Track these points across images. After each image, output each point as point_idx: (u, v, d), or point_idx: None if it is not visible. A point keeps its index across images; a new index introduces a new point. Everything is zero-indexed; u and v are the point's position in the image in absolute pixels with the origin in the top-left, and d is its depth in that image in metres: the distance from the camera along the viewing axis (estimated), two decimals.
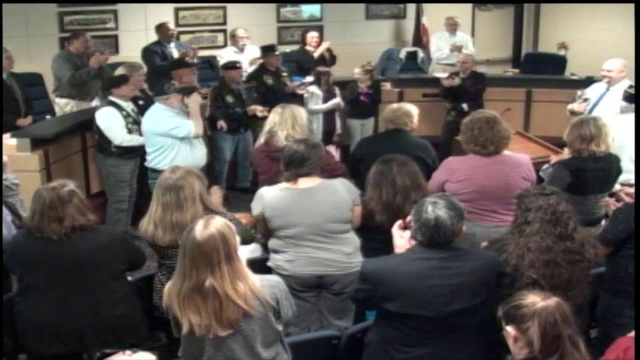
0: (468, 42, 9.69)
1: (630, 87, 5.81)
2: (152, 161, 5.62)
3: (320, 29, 9.93)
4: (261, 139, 4.88)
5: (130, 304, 3.63)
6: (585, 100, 6.21)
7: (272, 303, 2.86)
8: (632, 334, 2.76)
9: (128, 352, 2.09)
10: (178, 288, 2.80)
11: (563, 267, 3.21)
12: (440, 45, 9.60)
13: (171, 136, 5.50)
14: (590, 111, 6.04)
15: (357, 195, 3.94)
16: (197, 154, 5.65)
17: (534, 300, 2.58)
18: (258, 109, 7.00)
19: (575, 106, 6.21)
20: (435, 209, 2.98)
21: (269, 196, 3.86)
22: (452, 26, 9.56)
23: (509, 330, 2.60)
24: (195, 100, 5.61)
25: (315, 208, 3.80)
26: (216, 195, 4.04)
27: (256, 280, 2.86)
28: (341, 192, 3.88)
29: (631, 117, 5.28)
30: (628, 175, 4.84)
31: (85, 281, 3.45)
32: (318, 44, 8.81)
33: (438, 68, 9.60)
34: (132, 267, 3.76)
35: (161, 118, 5.52)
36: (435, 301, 2.96)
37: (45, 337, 3.47)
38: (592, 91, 6.32)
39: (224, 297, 2.75)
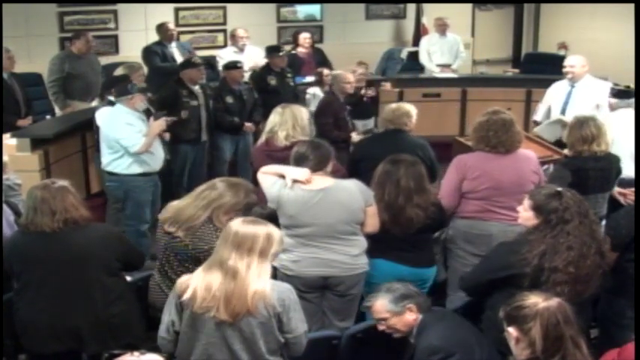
0: (458, 43, 9.69)
1: (616, 84, 5.81)
2: (109, 165, 5.49)
3: (320, 29, 9.95)
4: (262, 139, 4.88)
5: (127, 302, 3.61)
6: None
7: (278, 309, 2.89)
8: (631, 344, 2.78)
9: (136, 353, 2.11)
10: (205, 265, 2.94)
11: (589, 259, 3.22)
12: (431, 48, 9.58)
13: (120, 144, 5.38)
14: (563, 110, 6.12)
15: (370, 196, 3.90)
16: (155, 159, 5.55)
17: (536, 301, 2.59)
18: (248, 127, 7.02)
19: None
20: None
21: (284, 197, 3.83)
22: (441, 27, 9.53)
23: (511, 331, 2.60)
24: (158, 125, 5.46)
25: (329, 208, 3.79)
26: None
27: (268, 284, 2.89)
28: (354, 193, 3.86)
29: (627, 112, 5.26)
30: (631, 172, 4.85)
31: (80, 277, 3.44)
32: (311, 45, 8.79)
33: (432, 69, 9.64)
34: (128, 266, 3.74)
35: (116, 123, 5.37)
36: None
37: (42, 335, 3.46)
38: (554, 91, 6.36)
39: (241, 282, 2.81)
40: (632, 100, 5.40)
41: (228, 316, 2.82)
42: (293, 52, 8.65)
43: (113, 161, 5.45)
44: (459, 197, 4.31)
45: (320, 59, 8.76)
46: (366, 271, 3.94)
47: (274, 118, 4.82)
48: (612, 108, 5.43)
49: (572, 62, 6.25)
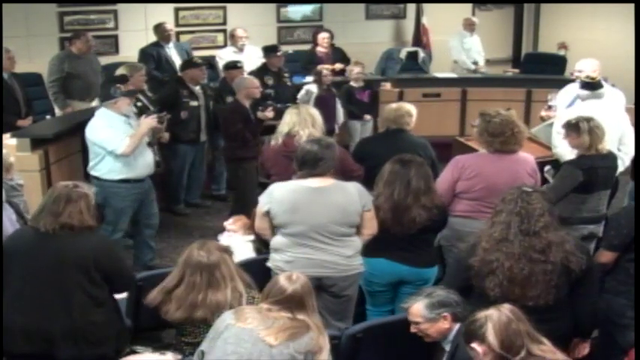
0: (478, 44, 9.80)
1: (587, 76, 5.78)
2: (92, 168, 5.36)
3: (317, 30, 9.94)
4: (279, 140, 4.82)
5: (109, 312, 3.52)
6: (550, 107, 6.26)
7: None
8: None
9: (156, 353, 2.13)
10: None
11: (521, 262, 3.19)
12: (466, 47, 9.70)
13: (103, 147, 5.21)
14: None
15: (368, 200, 3.88)
16: (141, 163, 5.33)
17: (486, 311, 2.70)
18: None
19: (542, 113, 6.31)
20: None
21: (279, 192, 3.83)
22: (470, 26, 9.70)
23: (474, 346, 2.67)
24: (148, 123, 5.27)
25: (323, 208, 3.78)
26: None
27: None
28: (352, 195, 3.83)
29: (596, 103, 5.36)
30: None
31: (59, 282, 3.38)
32: (330, 44, 8.82)
33: (456, 68, 9.66)
34: (109, 284, 3.51)
35: (97, 126, 5.22)
36: None
37: (15, 334, 3.39)
38: (565, 93, 6.29)
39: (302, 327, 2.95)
40: (600, 92, 5.50)
41: (276, 341, 2.88)
42: (289, 52, 8.66)
43: (95, 165, 5.31)
44: (452, 197, 4.36)
45: (339, 58, 8.79)
46: (361, 272, 3.94)
47: (292, 118, 4.77)
48: (582, 99, 5.53)
49: (581, 67, 6.09)
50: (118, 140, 5.13)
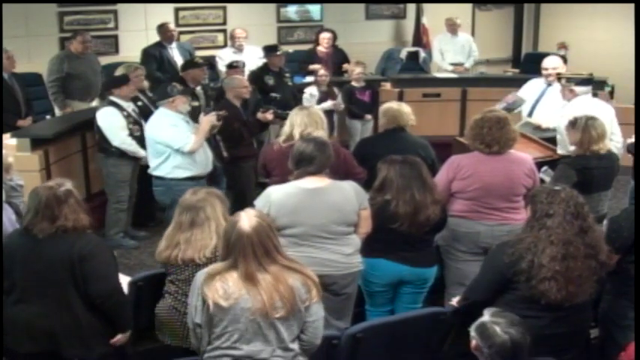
0: (470, 43, 9.73)
1: (573, 74, 6.02)
2: (155, 169, 5.42)
3: (320, 29, 9.95)
4: (285, 143, 4.74)
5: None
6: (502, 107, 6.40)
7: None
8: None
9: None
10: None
11: (579, 261, 3.19)
12: (444, 48, 9.64)
13: (169, 146, 5.31)
14: (533, 107, 6.29)
15: (365, 199, 3.89)
16: (200, 160, 5.43)
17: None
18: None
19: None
20: (503, 329, 2.72)
21: (277, 195, 3.82)
22: (451, 27, 9.60)
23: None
24: (209, 121, 5.42)
25: (321, 208, 3.78)
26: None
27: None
28: (349, 194, 3.84)
29: (586, 98, 5.60)
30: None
31: (58, 282, 3.38)
32: (331, 45, 8.83)
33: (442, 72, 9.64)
34: (87, 283, 3.38)
35: (162, 126, 5.31)
36: None
37: (19, 334, 3.41)
38: (528, 89, 6.46)
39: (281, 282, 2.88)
40: (591, 87, 5.78)
41: (281, 312, 2.87)
42: (288, 52, 8.65)
43: (158, 165, 5.37)
44: (448, 196, 4.36)
45: (340, 59, 8.80)
46: (360, 270, 3.94)
47: (303, 119, 4.71)
48: (574, 95, 5.67)
49: (555, 64, 6.34)
50: (184, 138, 5.26)
